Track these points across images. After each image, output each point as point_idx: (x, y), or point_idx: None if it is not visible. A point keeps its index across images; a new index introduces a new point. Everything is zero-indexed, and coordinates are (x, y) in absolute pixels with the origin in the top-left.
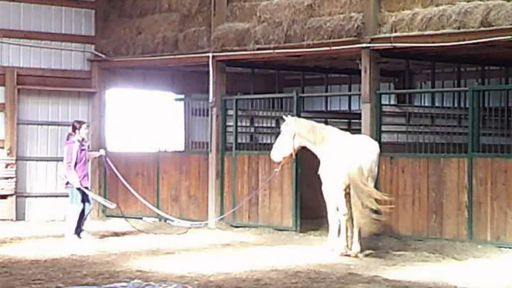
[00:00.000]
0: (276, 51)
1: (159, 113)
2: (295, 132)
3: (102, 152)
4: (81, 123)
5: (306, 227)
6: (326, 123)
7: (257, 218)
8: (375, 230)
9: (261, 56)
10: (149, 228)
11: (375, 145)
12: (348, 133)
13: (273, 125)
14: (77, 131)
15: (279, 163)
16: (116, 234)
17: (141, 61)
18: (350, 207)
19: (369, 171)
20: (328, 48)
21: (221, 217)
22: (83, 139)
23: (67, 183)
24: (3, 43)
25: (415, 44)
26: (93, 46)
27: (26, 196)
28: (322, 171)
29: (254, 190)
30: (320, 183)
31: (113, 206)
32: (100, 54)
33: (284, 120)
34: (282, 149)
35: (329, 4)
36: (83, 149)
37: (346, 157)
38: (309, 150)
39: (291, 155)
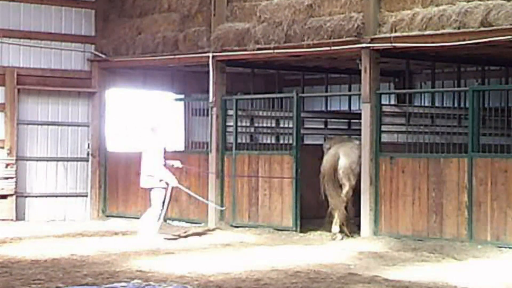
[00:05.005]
0: (276, 51)
1: (159, 113)
2: None
3: (178, 163)
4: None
5: (306, 227)
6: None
7: (257, 218)
8: None
9: (261, 56)
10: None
11: None
12: None
13: (273, 125)
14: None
15: None
16: (116, 234)
17: (141, 61)
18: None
19: None
20: (328, 48)
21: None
22: None
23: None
24: (3, 43)
25: (415, 44)
26: (93, 46)
27: (26, 196)
28: None
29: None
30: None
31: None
32: (100, 54)
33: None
34: None
35: (329, 4)
36: None
37: None
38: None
39: None
